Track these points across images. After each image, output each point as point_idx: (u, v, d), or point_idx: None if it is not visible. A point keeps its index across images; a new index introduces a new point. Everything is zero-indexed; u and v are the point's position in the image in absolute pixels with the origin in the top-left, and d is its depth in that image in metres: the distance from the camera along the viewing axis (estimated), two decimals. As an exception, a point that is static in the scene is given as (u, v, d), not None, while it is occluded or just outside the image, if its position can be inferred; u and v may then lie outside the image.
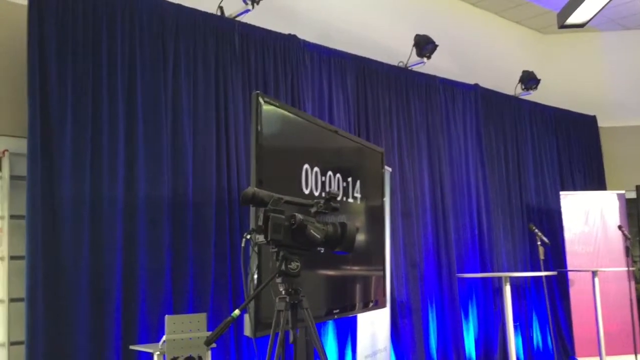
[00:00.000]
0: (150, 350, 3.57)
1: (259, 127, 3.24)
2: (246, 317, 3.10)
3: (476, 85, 6.95)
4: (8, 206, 3.92)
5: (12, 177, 3.96)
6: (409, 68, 6.30)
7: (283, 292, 2.46)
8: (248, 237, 2.52)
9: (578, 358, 6.91)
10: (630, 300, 6.72)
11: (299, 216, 2.44)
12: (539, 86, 7.32)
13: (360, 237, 4.20)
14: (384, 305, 4.70)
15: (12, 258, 3.89)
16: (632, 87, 7.92)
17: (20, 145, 3.83)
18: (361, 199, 4.26)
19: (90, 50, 3.99)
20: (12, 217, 3.92)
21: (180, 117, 4.36)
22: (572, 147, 8.10)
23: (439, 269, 6.14)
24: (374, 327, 4.80)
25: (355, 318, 4.70)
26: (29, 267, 3.61)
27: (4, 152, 3.94)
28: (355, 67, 5.76)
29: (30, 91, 3.72)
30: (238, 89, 4.72)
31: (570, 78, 8.11)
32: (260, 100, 3.27)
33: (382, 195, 4.72)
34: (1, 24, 4.01)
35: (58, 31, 3.86)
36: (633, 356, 6.46)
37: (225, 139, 4.59)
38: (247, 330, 3.12)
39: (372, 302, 4.42)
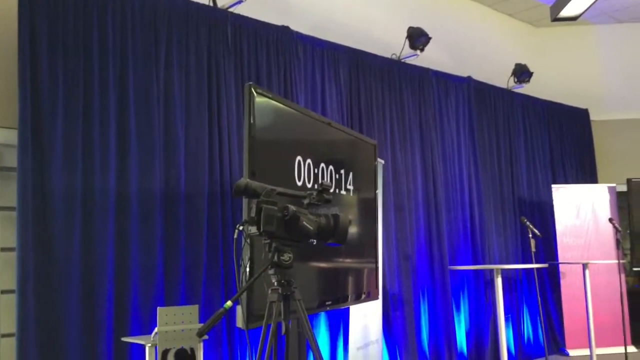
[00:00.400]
0: (142, 342, 3.57)
1: (251, 119, 3.23)
2: (238, 308, 3.10)
3: (469, 78, 6.96)
4: (-2, 197, 3.90)
5: (3, 169, 3.93)
6: (402, 60, 6.29)
7: (275, 284, 2.46)
8: (240, 228, 2.51)
9: (568, 350, 6.96)
10: (621, 292, 6.76)
11: (292, 208, 2.44)
12: (532, 79, 7.34)
13: (353, 229, 4.20)
14: (376, 297, 4.71)
15: (2, 249, 3.87)
16: (625, 80, 7.95)
17: (11, 136, 3.80)
18: (354, 191, 4.26)
19: (81, 42, 3.96)
20: (2, 208, 3.90)
21: (173, 109, 4.34)
22: (564, 140, 8.12)
23: (431, 262, 6.16)
24: (366, 319, 4.81)
25: (347, 310, 4.71)
26: (19, 259, 3.59)
27: (-6, 143, 3.92)
28: (349, 59, 5.74)
29: (20, 82, 3.69)
30: (231, 81, 4.70)
31: (563, 71, 8.13)
32: (253, 91, 3.26)
33: (375, 188, 4.72)
34: (-9, 14, 3.97)
35: (49, 22, 3.83)
36: (623, 348, 6.51)
37: (218, 131, 4.57)
38: (240, 322, 3.12)
39: (364, 294, 4.43)
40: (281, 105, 3.61)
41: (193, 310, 3.65)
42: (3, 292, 3.84)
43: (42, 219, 3.69)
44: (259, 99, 3.30)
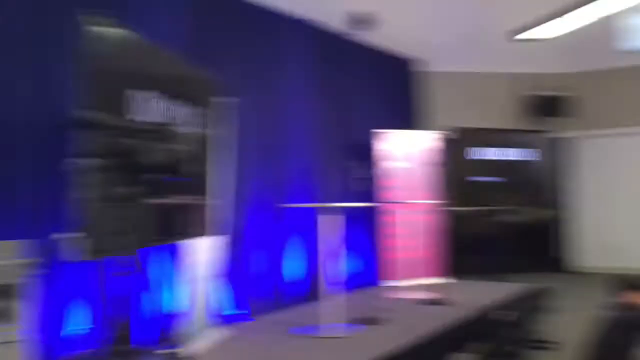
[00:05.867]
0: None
1: (86, 49, 3.10)
2: (76, 241, 3.03)
3: (308, 21, 7.10)
4: None
5: None
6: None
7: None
8: (77, 161, 2.46)
9: (387, 280, 7.52)
10: (437, 230, 7.53)
11: (131, 141, 2.43)
12: (369, 27, 7.54)
13: (191, 166, 4.21)
14: (215, 234, 4.79)
15: None
16: (454, 33, 8.39)
17: None
18: (194, 127, 4.25)
19: None
20: None
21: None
22: (389, 88, 8.63)
23: (267, 202, 6.35)
24: (203, 254, 4.89)
25: (186, 245, 4.75)
26: None
27: None
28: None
29: None
30: (64, 9, 4.42)
31: (401, 20, 8.43)
32: (89, 20, 3.13)
33: (217, 126, 4.74)
34: None
35: None
36: (442, 279, 7.36)
37: (44, 60, 4.31)
38: (83, 255, 3.06)
39: (201, 231, 4.50)
40: (118, 34, 3.48)
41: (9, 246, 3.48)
42: None
43: None
44: (94, 28, 3.18)
